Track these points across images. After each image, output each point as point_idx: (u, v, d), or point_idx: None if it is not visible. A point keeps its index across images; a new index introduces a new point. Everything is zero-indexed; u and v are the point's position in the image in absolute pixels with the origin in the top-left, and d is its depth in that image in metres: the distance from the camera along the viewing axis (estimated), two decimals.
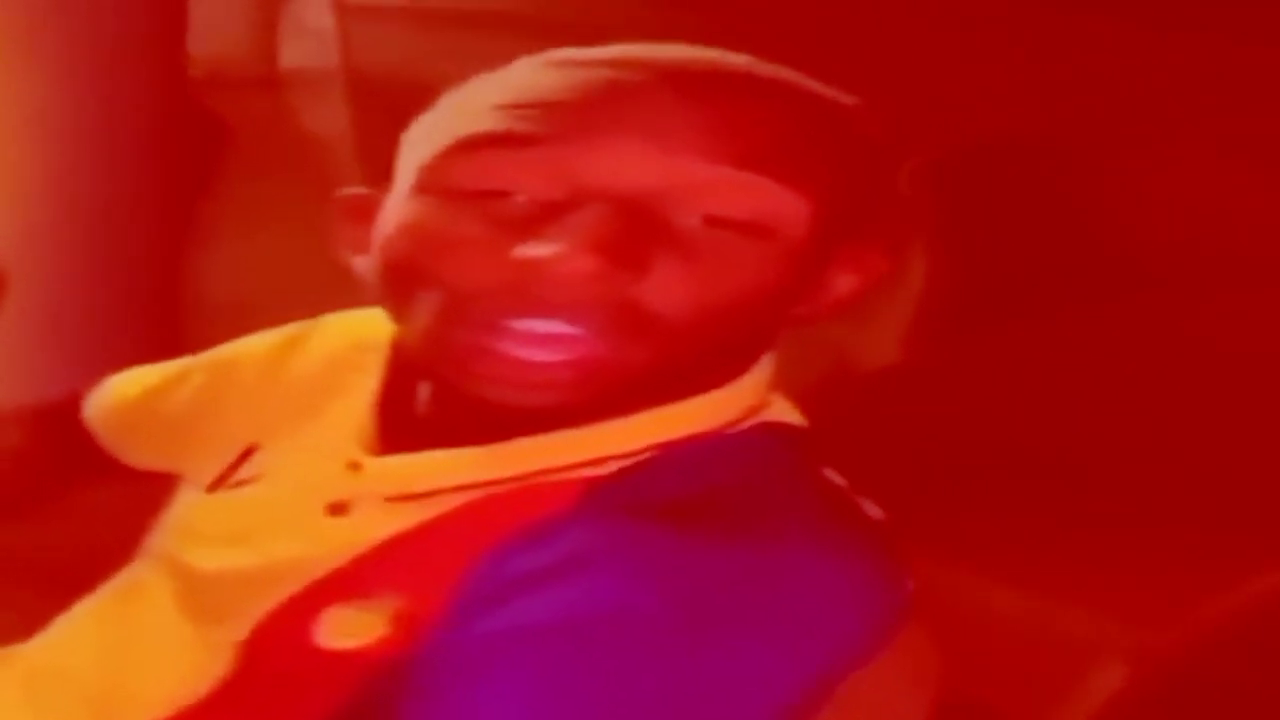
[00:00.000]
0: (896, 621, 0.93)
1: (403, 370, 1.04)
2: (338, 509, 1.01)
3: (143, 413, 1.29)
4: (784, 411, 1.04)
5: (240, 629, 0.98)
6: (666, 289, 0.90)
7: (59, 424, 1.35)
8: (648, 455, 0.97)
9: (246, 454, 1.13)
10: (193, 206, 2.87)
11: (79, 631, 1.12)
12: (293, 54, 5.46)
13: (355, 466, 1.02)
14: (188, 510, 1.13)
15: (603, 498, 0.95)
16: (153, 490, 1.21)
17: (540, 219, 0.91)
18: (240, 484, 1.11)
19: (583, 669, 0.86)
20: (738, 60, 0.96)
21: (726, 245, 0.92)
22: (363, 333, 1.16)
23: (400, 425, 1.03)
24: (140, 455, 1.31)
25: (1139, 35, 4.03)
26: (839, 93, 0.98)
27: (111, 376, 1.34)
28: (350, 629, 0.94)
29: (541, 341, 0.90)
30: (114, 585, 1.14)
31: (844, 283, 1.00)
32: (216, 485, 1.12)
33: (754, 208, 0.92)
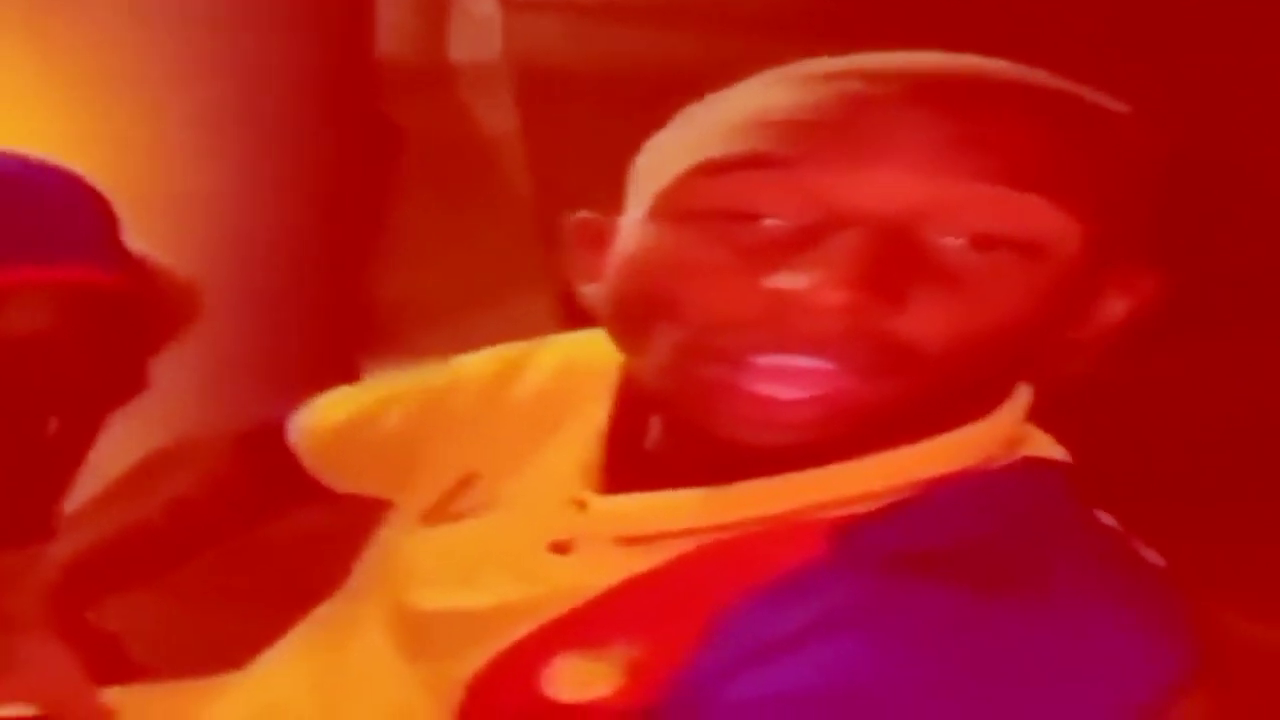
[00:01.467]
0: (1189, 680, 0.84)
1: (633, 402, 0.99)
2: (561, 548, 0.96)
3: (351, 437, 1.26)
4: (1044, 445, 0.96)
5: (462, 670, 0.94)
6: (926, 320, 0.83)
7: (262, 449, 1.32)
8: (903, 496, 0.90)
9: (465, 482, 1.09)
10: (377, 216, 2.85)
11: (294, 664, 1.09)
12: (461, 48, 5.47)
13: (581, 504, 0.96)
14: (405, 543, 1.09)
15: (857, 545, 0.88)
16: (360, 516, 1.17)
17: (793, 246, 0.84)
18: (458, 515, 1.07)
19: None
20: (993, 66, 0.88)
21: (994, 268, 0.84)
22: (584, 357, 1.12)
23: (629, 461, 0.97)
24: (349, 480, 1.28)
25: None
26: (1108, 99, 0.89)
27: (313, 400, 1.31)
28: (582, 679, 0.88)
29: (790, 377, 0.83)
30: (326, 616, 1.11)
31: (1115, 307, 0.92)
32: (434, 516, 1.08)
33: (1025, 226, 0.83)
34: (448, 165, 3.98)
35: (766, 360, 0.83)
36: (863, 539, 0.88)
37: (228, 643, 1.13)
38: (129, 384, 2.04)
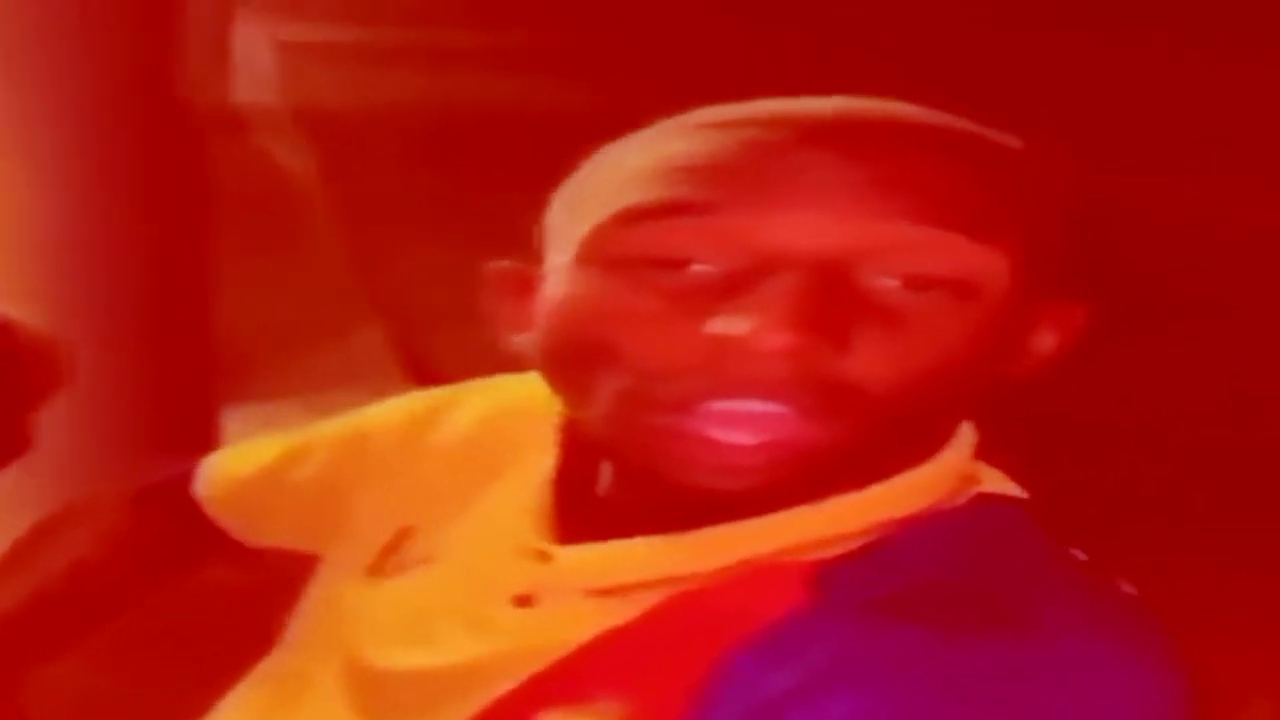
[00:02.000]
0: (1188, 712, 0.85)
1: (579, 449, 0.97)
2: (525, 601, 0.94)
3: (262, 490, 1.23)
4: (998, 481, 0.97)
5: None
6: (870, 360, 0.83)
7: (164, 505, 1.28)
8: (871, 539, 0.90)
9: (403, 534, 1.07)
10: (201, 259, 2.81)
11: None
12: (245, 91, 5.40)
13: (543, 556, 0.95)
14: (350, 598, 1.06)
15: (839, 592, 0.87)
16: (273, 571, 1.15)
17: (725, 291, 0.84)
18: (402, 569, 1.05)
19: None
20: (888, 107, 0.89)
21: (930, 307, 0.84)
22: (513, 402, 1.11)
23: (581, 509, 0.95)
24: (262, 535, 1.24)
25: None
26: (1009, 137, 0.91)
27: (216, 453, 1.28)
28: None
29: (741, 422, 0.83)
30: (269, 674, 1.08)
31: (1044, 340, 0.93)
32: (376, 570, 1.06)
33: (955, 265, 0.84)
34: (256, 207, 3.94)
35: (716, 406, 0.83)
36: (844, 586, 0.87)
37: (153, 711, 1.09)
38: (8, 445, 1.96)
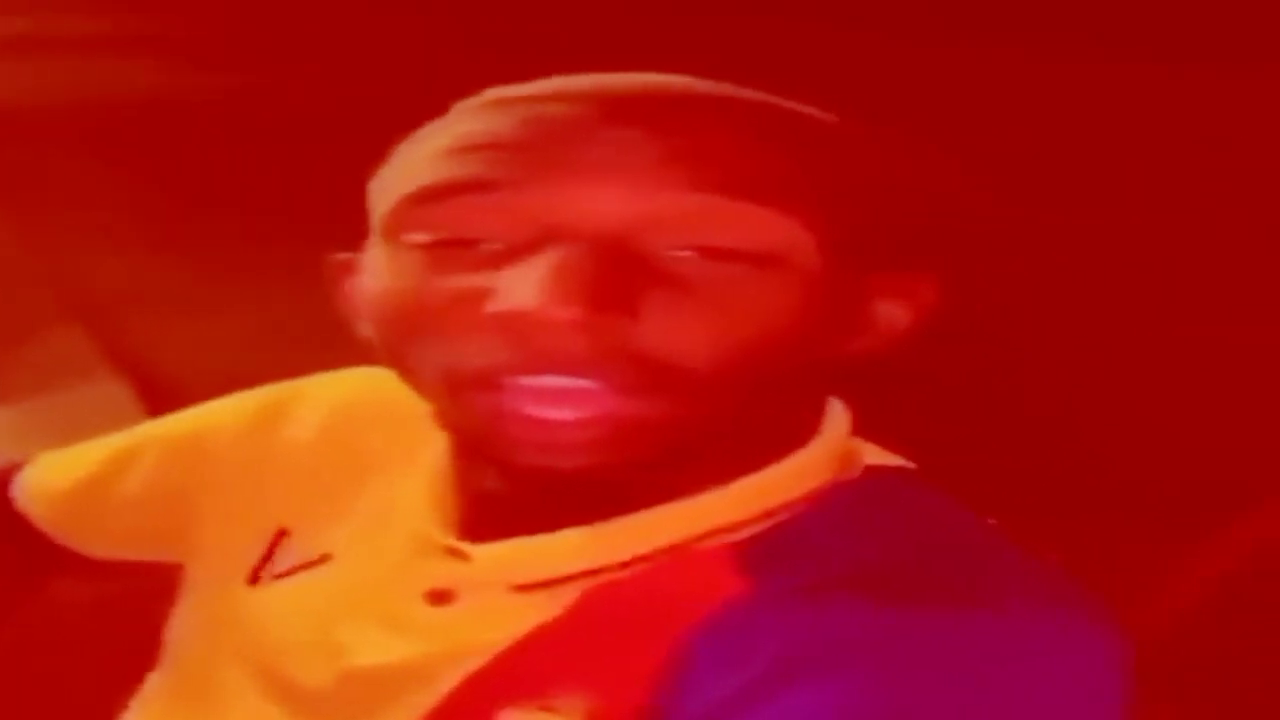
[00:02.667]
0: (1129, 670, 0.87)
1: (451, 440, 0.97)
2: (440, 598, 0.94)
3: (89, 502, 1.18)
4: (880, 455, 0.99)
5: None
6: (672, 332, 0.84)
7: None
8: (781, 519, 0.92)
9: (279, 538, 1.05)
10: None
11: None
12: None
13: (458, 554, 0.94)
14: (240, 607, 1.04)
15: (770, 573, 0.89)
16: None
17: (508, 266, 0.85)
18: (289, 573, 1.03)
19: None
20: (690, 83, 0.90)
21: (732, 280, 0.85)
22: (366, 396, 1.10)
23: (481, 502, 0.95)
24: (101, 547, 1.20)
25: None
26: (815, 110, 0.92)
27: (35, 460, 1.23)
28: None
29: (556, 398, 0.84)
30: (169, 692, 1.05)
31: (891, 313, 0.95)
32: (258, 577, 1.04)
33: (749, 237, 0.85)
34: None
35: (525, 382, 0.84)
36: (776, 567, 0.89)
37: None
38: None
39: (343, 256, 0.99)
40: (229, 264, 3.85)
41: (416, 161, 0.90)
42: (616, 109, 0.87)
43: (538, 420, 0.84)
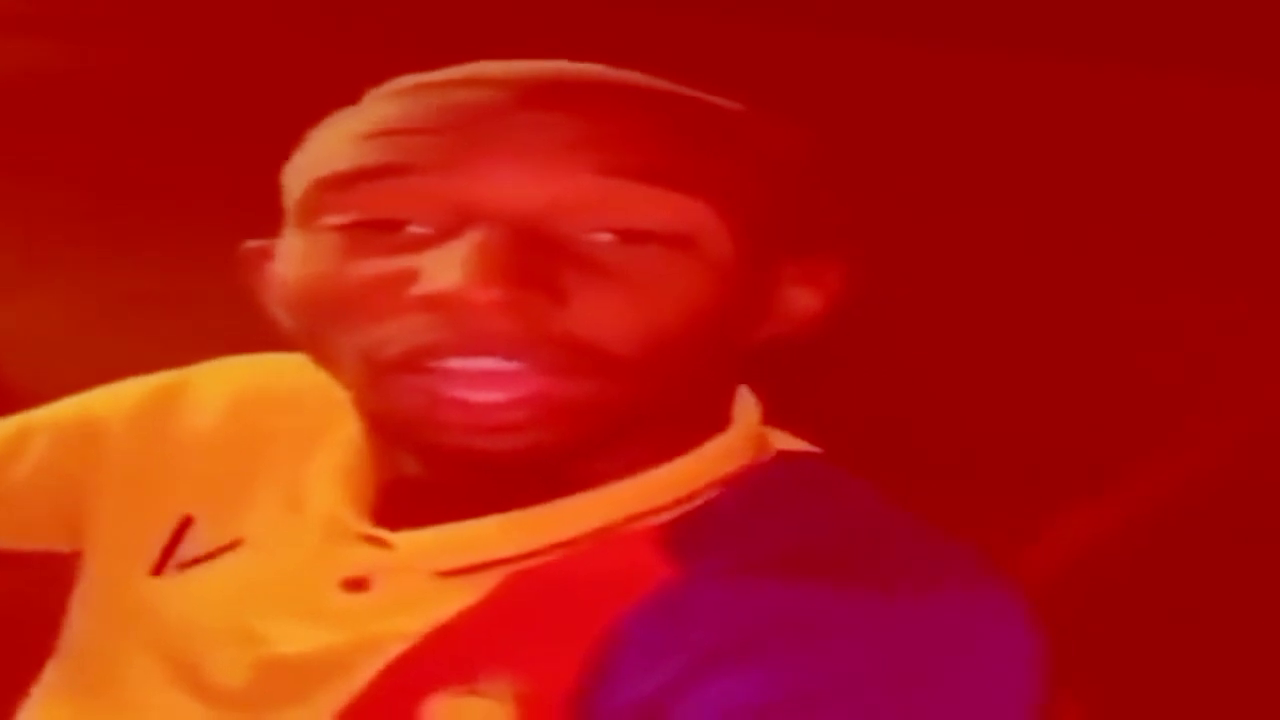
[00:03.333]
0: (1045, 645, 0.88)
1: (367, 426, 0.96)
2: (357, 585, 0.93)
3: None
4: (789, 440, 1.00)
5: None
6: (596, 314, 0.86)
7: None
8: (699, 502, 0.93)
9: (183, 527, 1.03)
10: None
11: None
12: None
13: (377, 541, 0.94)
14: (145, 596, 1.01)
15: (697, 555, 0.90)
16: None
17: (431, 249, 0.86)
18: (192, 562, 1.01)
19: None
20: (594, 70, 0.92)
21: (650, 262, 0.87)
22: (259, 381, 1.09)
23: (395, 488, 0.95)
24: None
25: None
26: (726, 100, 0.94)
27: None
28: (473, 717, 0.87)
29: (483, 381, 0.85)
30: (68, 685, 1.02)
31: (801, 299, 0.96)
32: (162, 566, 1.02)
33: (664, 219, 0.87)
34: None
35: (452, 364, 0.85)
36: (702, 550, 0.90)
37: None
38: None
39: (257, 244, 0.99)
40: (52, 241, 3.76)
41: (331, 146, 0.91)
42: (529, 94, 0.88)
43: (466, 403, 0.85)
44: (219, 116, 3.86)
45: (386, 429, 0.92)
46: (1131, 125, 3.85)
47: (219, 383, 1.10)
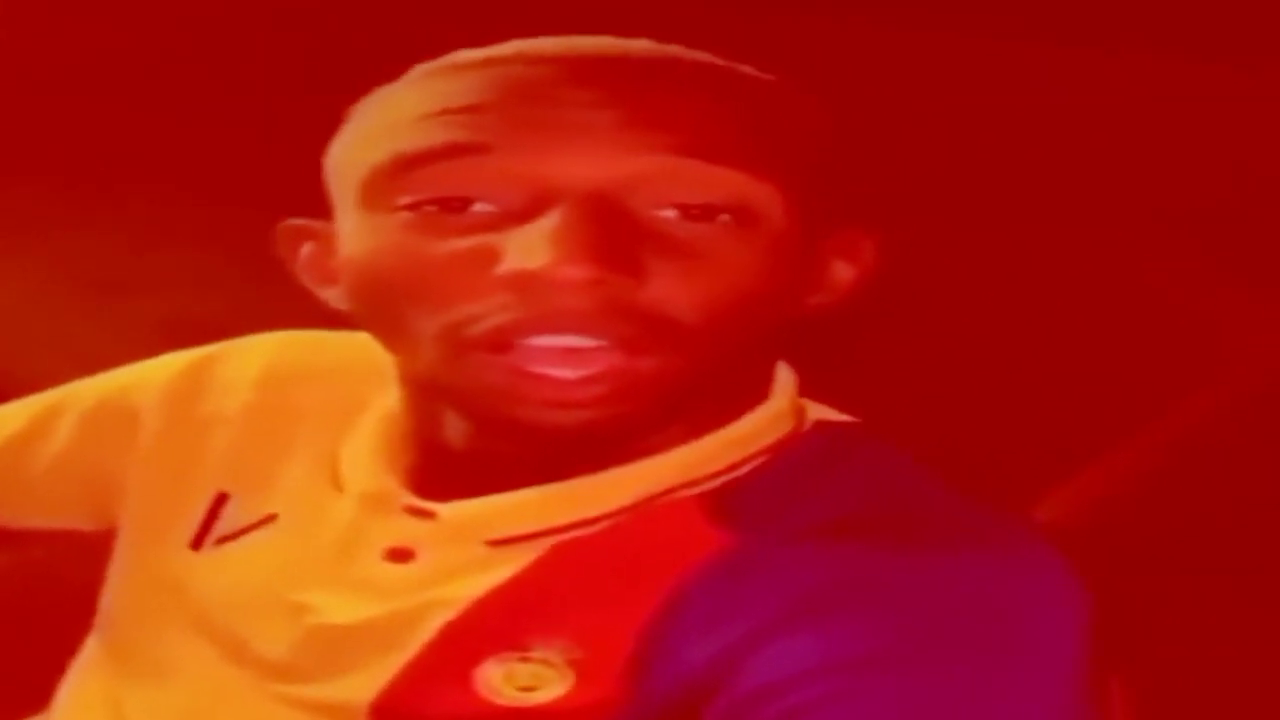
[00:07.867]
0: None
1: (423, 401, 0.96)
2: (400, 555, 0.94)
3: (8, 466, 1.14)
4: (825, 411, 1.01)
5: (351, 693, 0.90)
6: (669, 290, 0.87)
7: None
8: (743, 472, 0.94)
9: (219, 503, 1.03)
10: None
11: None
12: None
13: (422, 513, 0.94)
14: (183, 572, 1.02)
15: (749, 523, 0.90)
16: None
17: (510, 227, 0.87)
18: (231, 537, 1.02)
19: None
20: (641, 45, 0.92)
21: (715, 237, 0.88)
22: (287, 357, 1.10)
23: (438, 459, 0.95)
24: (17, 513, 1.16)
25: None
26: (763, 74, 0.95)
27: None
28: (527, 682, 0.87)
29: (564, 357, 0.86)
30: (110, 660, 1.02)
31: (842, 271, 0.98)
32: (201, 541, 1.02)
33: (722, 193, 0.88)
34: None
35: (534, 342, 0.86)
36: (753, 518, 0.91)
37: None
38: None
39: (296, 223, 0.99)
40: (22, 224, 3.73)
41: (388, 126, 0.91)
42: (583, 71, 0.89)
43: (548, 378, 0.86)
44: (191, 100, 3.84)
45: (461, 403, 0.92)
46: (1138, 110, 3.88)
47: (249, 359, 1.10)
